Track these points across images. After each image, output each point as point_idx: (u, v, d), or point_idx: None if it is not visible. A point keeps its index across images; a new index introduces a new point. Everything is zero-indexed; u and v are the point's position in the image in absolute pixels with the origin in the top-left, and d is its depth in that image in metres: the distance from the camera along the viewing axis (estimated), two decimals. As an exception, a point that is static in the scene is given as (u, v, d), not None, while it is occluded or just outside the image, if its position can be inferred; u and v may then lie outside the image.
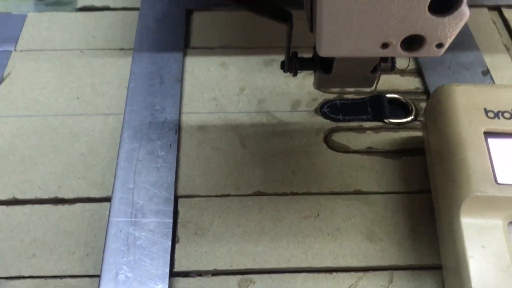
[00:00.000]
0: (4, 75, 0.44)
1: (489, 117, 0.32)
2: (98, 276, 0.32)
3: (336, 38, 0.28)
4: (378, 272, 0.32)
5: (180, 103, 0.41)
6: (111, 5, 0.50)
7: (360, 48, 0.28)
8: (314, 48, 0.34)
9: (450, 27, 0.27)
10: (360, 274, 0.32)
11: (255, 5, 0.32)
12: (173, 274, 0.32)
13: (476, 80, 0.42)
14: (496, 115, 0.32)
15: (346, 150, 0.38)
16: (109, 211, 0.34)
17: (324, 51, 0.28)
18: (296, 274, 0.32)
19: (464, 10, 0.26)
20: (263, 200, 0.35)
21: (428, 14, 0.26)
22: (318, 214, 0.35)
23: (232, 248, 0.33)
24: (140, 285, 0.31)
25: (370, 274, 0.32)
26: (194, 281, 0.32)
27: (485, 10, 0.48)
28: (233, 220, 0.34)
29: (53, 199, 0.36)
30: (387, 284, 0.32)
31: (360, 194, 0.36)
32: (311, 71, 0.42)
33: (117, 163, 0.37)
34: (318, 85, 0.33)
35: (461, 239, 0.28)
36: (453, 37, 0.28)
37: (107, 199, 0.36)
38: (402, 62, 0.43)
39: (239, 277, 0.32)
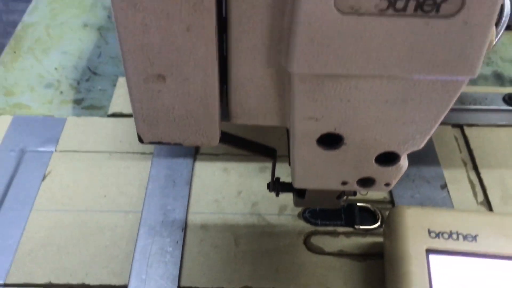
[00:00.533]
0: (46, 173, 0.53)
1: (431, 237, 0.40)
2: None
3: (306, 176, 0.37)
4: None
5: (188, 204, 0.50)
6: (136, 112, 0.61)
7: (324, 184, 0.37)
8: (293, 175, 0.42)
9: (393, 173, 0.36)
10: None
11: (246, 144, 0.41)
12: None
13: (435, 193, 0.50)
14: (437, 235, 0.40)
15: (321, 252, 0.46)
16: (125, 298, 0.43)
17: (297, 185, 0.37)
18: None
19: (402, 163, 0.35)
20: (249, 294, 0.43)
21: (375, 165, 0.35)
22: (294, 308, 0.42)
23: (221, 335, 0.41)
24: None
25: None
26: None
27: (449, 127, 0.57)
28: (224, 310, 0.42)
29: (81, 285, 0.44)
30: None
31: (329, 291, 0.43)
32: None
33: (133, 256, 0.45)
34: (296, 204, 0.42)
35: None
36: (397, 179, 0.36)
37: (124, 287, 0.44)
38: (375, 173, 0.52)
39: None
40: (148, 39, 0.28)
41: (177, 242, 0.47)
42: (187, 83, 0.30)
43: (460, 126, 0.57)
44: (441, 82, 0.29)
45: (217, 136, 0.34)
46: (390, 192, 0.51)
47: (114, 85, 0.65)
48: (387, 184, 0.37)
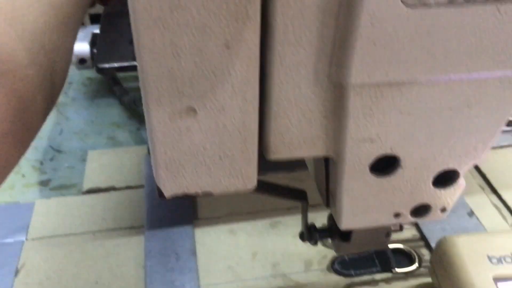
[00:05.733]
0: (19, 267, 0.45)
1: (493, 263, 0.35)
2: None
3: (355, 213, 0.32)
4: None
5: (198, 277, 0.43)
6: (116, 185, 0.54)
7: (375, 220, 0.32)
8: (330, 218, 0.37)
9: (450, 195, 0.32)
10: None
11: (272, 189, 0.36)
12: None
13: (464, 222, 0.46)
14: (499, 260, 0.36)
15: (365, 305, 0.40)
16: None
17: (345, 225, 0.32)
18: None
19: (461, 181, 0.31)
20: None
21: (432, 188, 0.31)
22: None
23: None
24: None
25: None
26: None
27: (454, 154, 0.55)
28: None
29: None
30: None
31: None
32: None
33: None
34: (338, 251, 0.36)
35: None
36: (454, 201, 0.32)
37: None
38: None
39: None
40: (178, 63, 0.23)
41: (196, 323, 0.39)
42: (223, 113, 0.25)
43: (463, 152, 0.55)
44: (510, 79, 0.26)
45: (254, 177, 0.29)
46: (419, 229, 0.46)
47: (83, 160, 0.58)
48: (443, 210, 0.32)
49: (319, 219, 0.36)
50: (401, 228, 0.36)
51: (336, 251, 0.36)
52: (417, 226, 0.47)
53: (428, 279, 0.42)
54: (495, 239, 0.37)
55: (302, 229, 0.37)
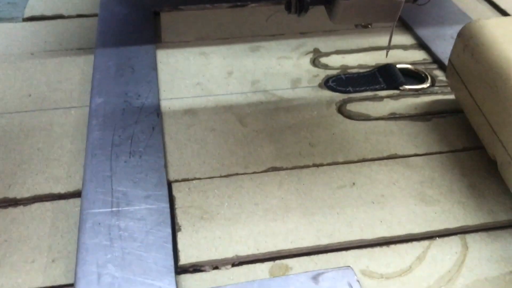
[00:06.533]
0: None
1: (535, 42, 0.28)
2: (72, 285, 0.23)
3: None
4: (447, 238, 0.25)
5: (158, 91, 0.34)
6: (65, 13, 0.44)
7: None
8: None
9: None
10: (426, 242, 0.25)
11: None
12: (179, 270, 0.23)
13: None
14: (542, 40, 0.28)
15: (366, 118, 0.32)
16: (81, 204, 0.26)
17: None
18: (345, 252, 0.24)
19: None
20: (281, 175, 0.28)
21: None
22: (354, 183, 0.27)
23: (253, 229, 0.25)
24: (134, 287, 0.22)
25: (438, 241, 0.25)
26: (209, 276, 0.23)
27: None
28: (248, 199, 0.26)
29: (1, 200, 0.27)
30: (463, 250, 0.24)
31: (397, 158, 0.29)
32: (308, 50, 0.37)
33: (86, 151, 0.29)
34: (334, 19, 0.28)
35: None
36: None
37: (76, 194, 0.27)
38: (403, 39, 0.40)
39: (270, 264, 0.24)
40: None
41: (153, 128, 0.30)
42: None
43: (479, -7, 0.47)
44: None
45: None
46: (430, 52, 0.38)
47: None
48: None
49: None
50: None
51: (333, 19, 0.28)
52: (426, 50, 0.39)
53: (444, 98, 0.34)
54: (536, 21, 0.29)
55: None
